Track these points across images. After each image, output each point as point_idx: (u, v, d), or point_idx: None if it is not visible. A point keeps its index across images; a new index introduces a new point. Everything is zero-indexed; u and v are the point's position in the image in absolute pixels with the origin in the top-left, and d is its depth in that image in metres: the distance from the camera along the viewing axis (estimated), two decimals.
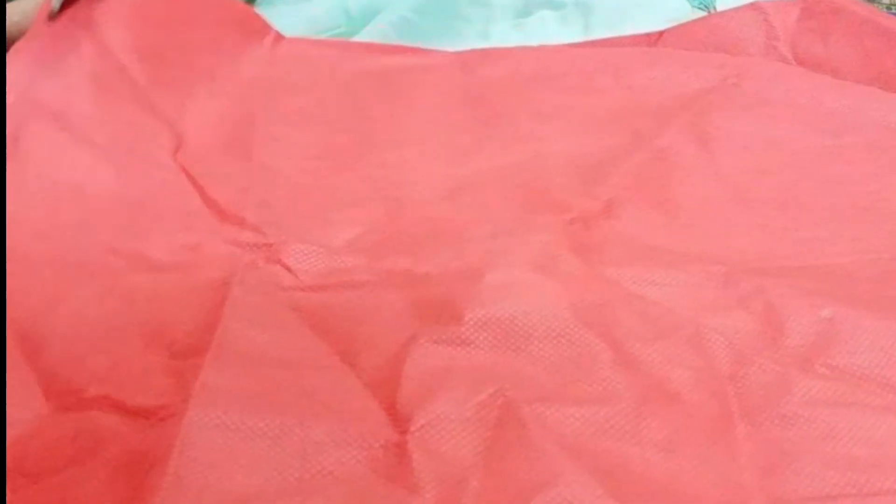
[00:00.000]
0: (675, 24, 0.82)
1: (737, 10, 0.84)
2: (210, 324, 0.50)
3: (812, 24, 0.81)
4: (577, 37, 0.84)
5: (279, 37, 0.80)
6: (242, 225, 0.59)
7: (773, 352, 0.50)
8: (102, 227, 0.58)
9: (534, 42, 0.82)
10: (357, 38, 0.82)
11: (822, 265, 0.58)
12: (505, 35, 0.85)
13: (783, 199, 0.64)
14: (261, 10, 0.83)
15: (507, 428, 0.44)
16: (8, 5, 0.73)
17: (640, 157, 0.67)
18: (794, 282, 0.55)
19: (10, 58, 0.67)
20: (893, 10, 0.94)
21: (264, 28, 0.80)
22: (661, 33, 0.85)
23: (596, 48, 0.83)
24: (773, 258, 0.58)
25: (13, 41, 0.70)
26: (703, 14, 0.85)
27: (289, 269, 0.56)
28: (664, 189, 0.64)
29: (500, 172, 0.66)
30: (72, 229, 0.57)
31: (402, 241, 0.59)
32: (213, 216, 0.60)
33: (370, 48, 0.82)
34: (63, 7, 0.72)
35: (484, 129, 0.72)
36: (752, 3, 0.84)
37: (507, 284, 0.53)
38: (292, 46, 0.80)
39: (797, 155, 0.69)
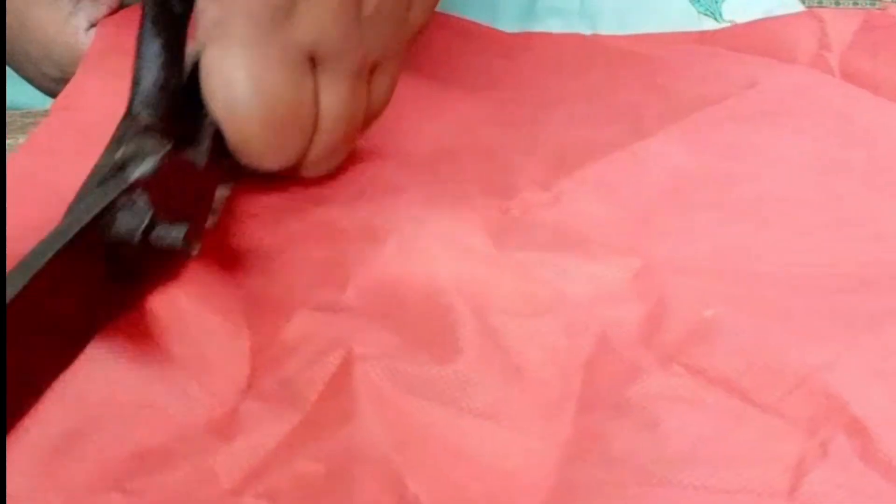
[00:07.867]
0: (682, 30, 0.80)
1: (794, 15, 0.81)
2: None
3: (869, 37, 0.77)
4: None
5: None
6: None
7: (641, 345, 0.49)
8: None
9: None
10: None
11: (748, 270, 0.55)
12: None
13: (753, 207, 0.61)
14: None
15: (336, 381, 0.46)
16: None
17: (619, 154, 0.66)
18: (702, 282, 0.53)
19: None
20: None
21: None
22: (714, 32, 0.83)
23: (639, 41, 0.82)
24: (700, 259, 0.56)
25: None
26: (709, 20, 0.83)
27: None
28: (626, 188, 0.63)
29: (489, 147, 0.68)
30: None
31: (350, 190, 0.61)
32: None
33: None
34: None
35: (504, 105, 0.74)
36: (809, 10, 0.80)
37: (404, 252, 0.54)
38: None
39: (791, 165, 0.65)
